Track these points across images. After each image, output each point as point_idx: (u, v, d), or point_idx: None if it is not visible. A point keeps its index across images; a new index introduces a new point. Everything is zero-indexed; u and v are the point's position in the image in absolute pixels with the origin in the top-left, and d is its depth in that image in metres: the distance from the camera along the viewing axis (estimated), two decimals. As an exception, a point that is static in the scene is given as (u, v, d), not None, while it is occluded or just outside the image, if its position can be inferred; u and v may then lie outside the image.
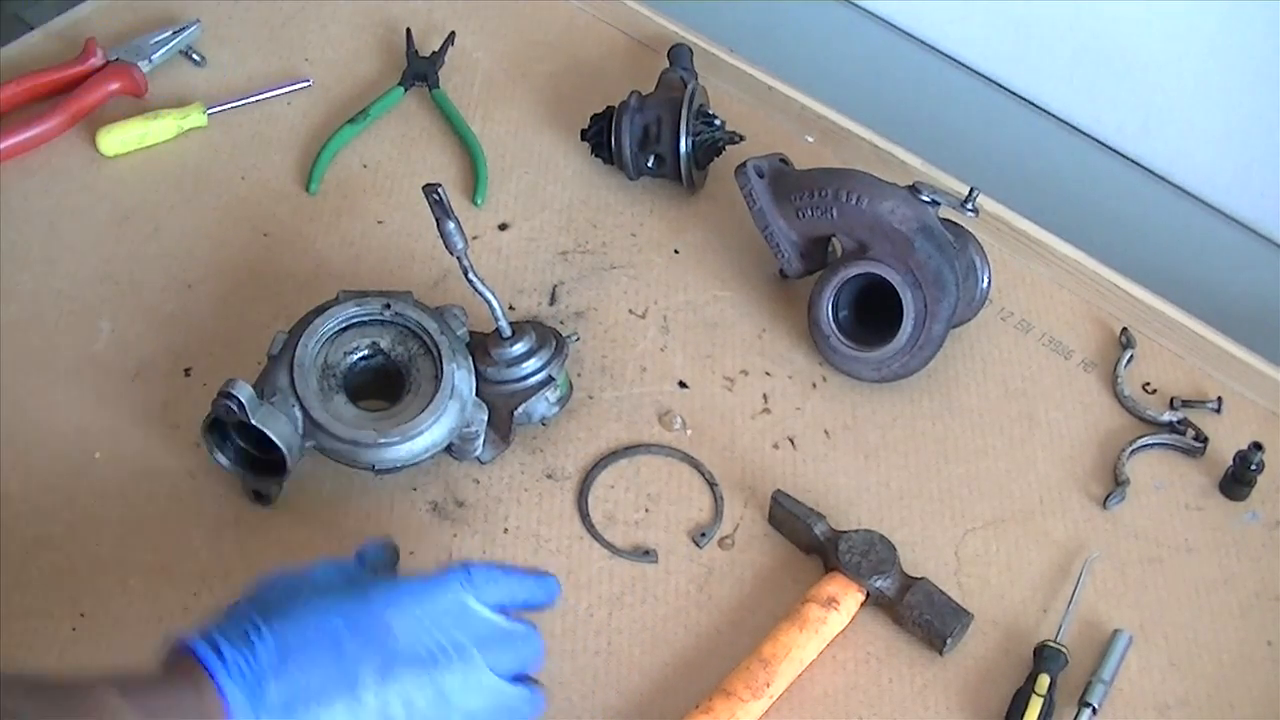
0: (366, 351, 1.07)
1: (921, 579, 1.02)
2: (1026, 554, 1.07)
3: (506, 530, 1.07)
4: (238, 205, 1.25)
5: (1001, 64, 1.51)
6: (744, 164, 1.17)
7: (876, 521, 1.08)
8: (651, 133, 1.24)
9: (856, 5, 1.57)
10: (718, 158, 1.26)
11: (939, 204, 1.14)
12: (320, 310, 1.07)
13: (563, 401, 1.12)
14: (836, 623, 1.01)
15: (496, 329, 1.08)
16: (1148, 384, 1.18)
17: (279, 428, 1.01)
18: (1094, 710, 0.98)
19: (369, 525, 1.06)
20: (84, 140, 1.27)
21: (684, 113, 1.22)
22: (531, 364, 1.09)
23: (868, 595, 1.02)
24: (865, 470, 1.12)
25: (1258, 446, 1.08)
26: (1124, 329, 1.20)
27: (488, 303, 1.07)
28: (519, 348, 1.09)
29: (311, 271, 1.21)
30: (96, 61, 1.30)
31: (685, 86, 1.25)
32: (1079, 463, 1.12)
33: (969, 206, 1.15)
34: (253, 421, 1.00)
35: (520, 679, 0.87)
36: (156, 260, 1.21)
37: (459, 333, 1.08)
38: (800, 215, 1.15)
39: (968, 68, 1.52)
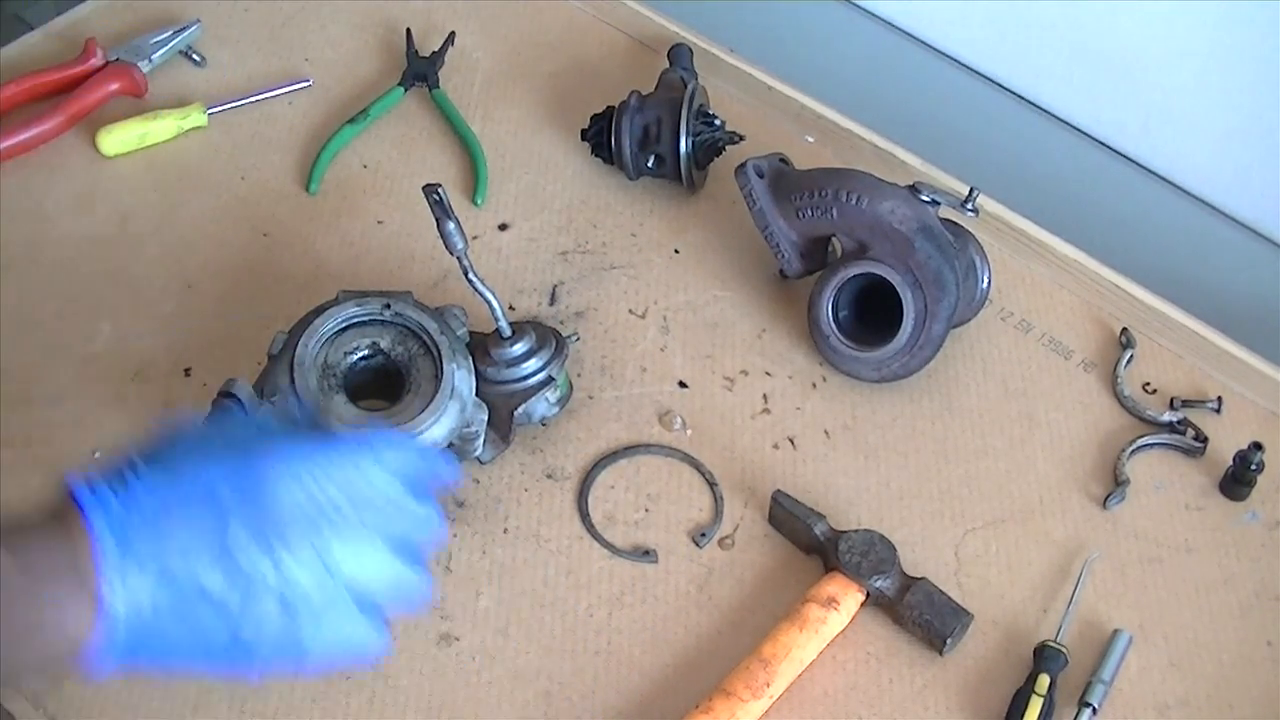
0: (366, 351, 1.07)
1: (921, 579, 1.02)
2: (1026, 554, 1.07)
3: (506, 530, 1.07)
4: (238, 205, 1.25)
5: (1001, 64, 1.51)
6: (744, 164, 1.17)
7: (876, 521, 1.08)
8: (651, 133, 1.24)
9: (856, 5, 1.57)
10: (718, 158, 1.26)
11: (939, 204, 1.14)
12: (320, 310, 1.07)
13: (563, 401, 1.12)
14: (836, 623, 1.01)
15: (496, 329, 1.08)
16: (1148, 384, 1.18)
17: (279, 428, 1.01)
18: (1094, 710, 0.98)
19: (369, 525, 1.06)
20: (84, 140, 1.28)
21: (684, 113, 1.22)
22: (531, 364, 1.09)
23: (868, 595, 1.02)
24: (865, 470, 1.12)
25: (1258, 446, 1.08)
26: (1124, 329, 1.20)
27: (488, 303, 1.07)
28: (519, 348, 1.09)
29: (311, 271, 1.21)
30: (96, 61, 1.30)
31: (685, 86, 1.25)
32: (1079, 463, 1.12)
33: (969, 206, 1.15)
34: (253, 421, 1.00)
35: (416, 562, 0.81)
36: (156, 260, 1.21)
37: (459, 333, 1.08)
38: (800, 215, 1.15)
39: (968, 68, 1.52)
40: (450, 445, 1.06)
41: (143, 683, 0.98)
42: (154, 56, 1.32)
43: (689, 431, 1.13)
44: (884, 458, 1.12)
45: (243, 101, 1.32)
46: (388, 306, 1.07)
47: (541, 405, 1.10)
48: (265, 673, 0.78)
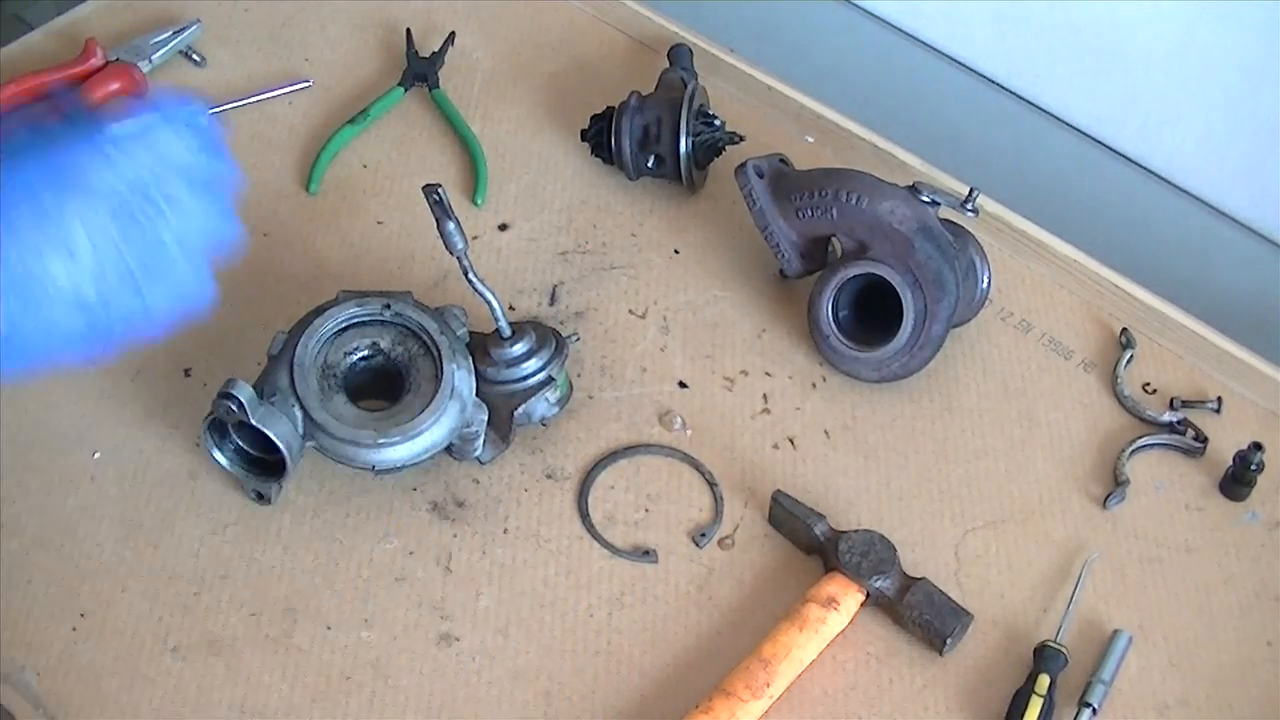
0: (366, 352, 1.08)
1: (921, 579, 1.02)
2: (1026, 554, 1.07)
3: (506, 530, 1.07)
4: (238, 205, 1.25)
5: (1001, 64, 1.51)
6: (744, 164, 1.17)
7: (876, 521, 1.08)
8: (651, 133, 1.24)
9: (856, 5, 1.57)
10: (718, 158, 1.26)
11: (939, 204, 1.14)
12: (320, 310, 1.07)
13: (563, 401, 1.12)
14: (836, 623, 1.01)
15: (496, 329, 1.08)
16: (1148, 384, 1.18)
17: (279, 428, 1.01)
18: (1094, 710, 0.98)
19: (369, 525, 1.06)
20: (84, 140, 1.27)
21: (684, 113, 1.22)
22: (531, 364, 1.09)
23: (868, 595, 1.02)
24: (865, 470, 1.12)
25: (1258, 446, 1.08)
26: (1124, 329, 1.20)
27: (488, 303, 1.07)
28: (519, 348, 1.09)
29: (311, 271, 1.21)
30: (96, 61, 1.30)
31: (685, 86, 1.25)
32: (1079, 463, 1.12)
33: (969, 206, 1.15)
34: (253, 421, 1.00)
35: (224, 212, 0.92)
36: (156, 260, 1.21)
37: (459, 333, 1.08)
38: (800, 215, 1.15)
39: (968, 68, 1.52)
40: (450, 445, 1.06)
41: (143, 682, 0.98)
42: (154, 56, 1.32)
43: (689, 431, 1.13)
44: (884, 458, 1.12)
45: (243, 101, 1.32)
46: (388, 306, 1.07)
47: (541, 405, 1.10)
48: (119, 346, 0.87)
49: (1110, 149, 1.47)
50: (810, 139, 1.33)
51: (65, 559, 1.04)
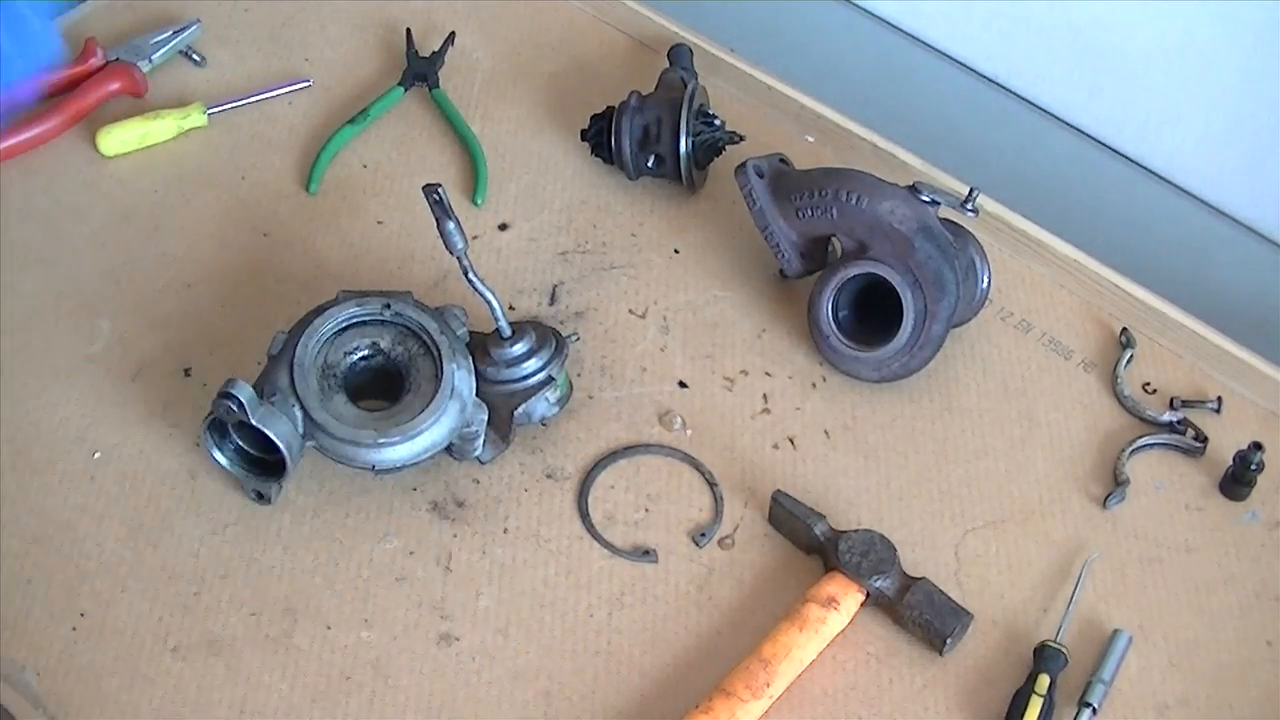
0: (366, 351, 1.08)
1: (921, 579, 1.02)
2: (1026, 554, 1.07)
3: (506, 530, 1.07)
4: (238, 205, 1.25)
5: (1001, 64, 1.51)
6: (744, 164, 1.17)
7: (876, 521, 1.08)
8: (651, 133, 1.24)
9: (856, 5, 1.57)
10: (718, 158, 1.26)
11: (939, 204, 1.14)
12: (320, 310, 1.07)
13: (563, 401, 1.12)
14: (836, 623, 1.01)
15: (496, 329, 1.08)
16: (1148, 384, 1.18)
17: (279, 428, 1.01)
18: (1094, 710, 0.98)
19: (369, 525, 1.06)
20: (84, 140, 1.27)
21: (684, 113, 1.22)
22: (531, 364, 1.09)
23: (868, 595, 1.02)
24: (865, 470, 1.12)
25: (1258, 446, 1.08)
26: (1124, 329, 1.20)
27: (488, 303, 1.07)
28: (519, 348, 1.09)
29: (311, 271, 1.21)
30: (96, 61, 1.30)
31: (685, 86, 1.25)
32: (1079, 463, 1.12)
33: (969, 206, 1.15)
34: (253, 421, 1.00)
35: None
36: (156, 260, 1.21)
37: (459, 333, 1.08)
38: (800, 215, 1.15)
39: (968, 68, 1.52)
40: (450, 445, 1.06)
41: (143, 682, 0.98)
42: (154, 56, 1.32)
43: (689, 431, 1.13)
44: (884, 458, 1.12)
45: (243, 101, 1.32)
46: (388, 306, 1.07)
47: (541, 405, 1.10)
48: None
49: (1110, 149, 1.47)
50: (810, 139, 1.33)
51: (65, 559, 1.04)
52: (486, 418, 1.07)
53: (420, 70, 1.34)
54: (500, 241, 1.24)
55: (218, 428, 1.04)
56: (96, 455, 1.09)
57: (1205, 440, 1.12)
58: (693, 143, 1.23)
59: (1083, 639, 1.02)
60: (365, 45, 1.38)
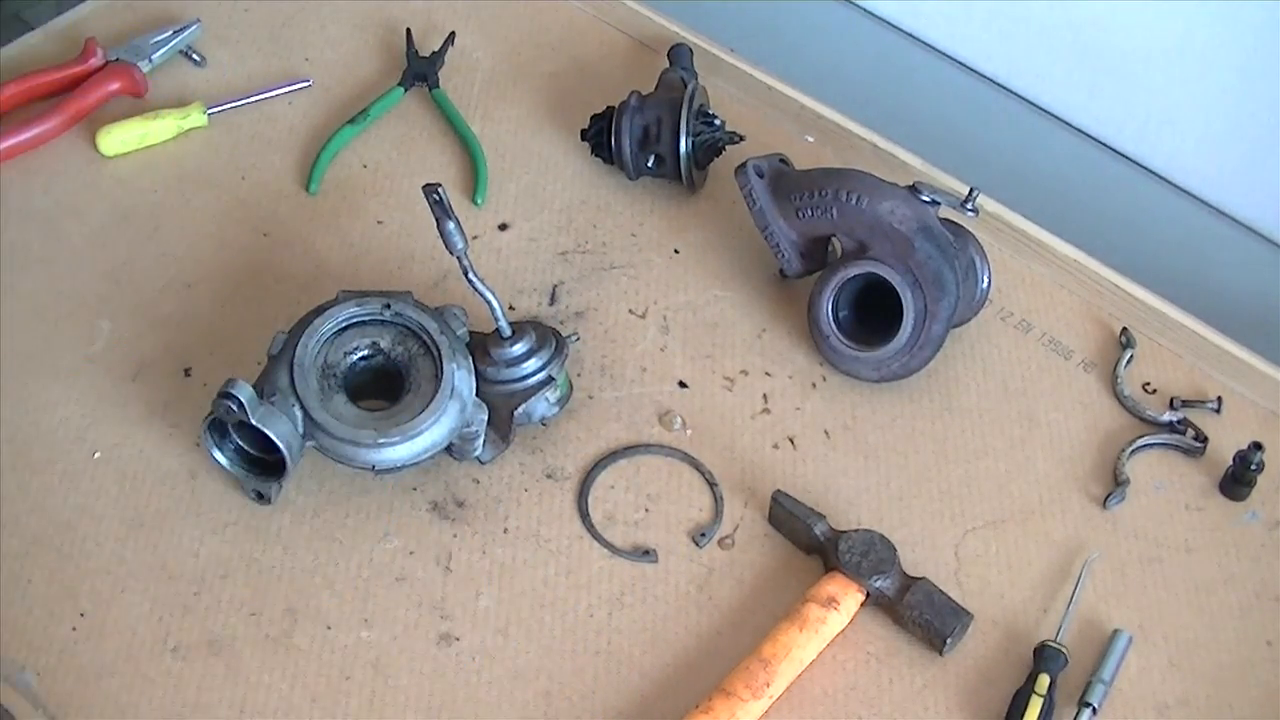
0: (366, 351, 1.08)
1: (921, 579, 1.02)
2: (1026, 554, 1.07)
3: (506, 530, 1.07)
4: (238, 205, 1.25)
5: (1001, 64, 1.51)
6: (744, 164, 1.17)
7: (876, 521, 1.08)
8: (651, 133, 1.24)
9: (856, 5, 1.57)
10: (718, 158, 1.26)
11: (939, 204, 1.14)
12: (320, 310, 1.07)
13: (563, 401, 1.12)
14: (836, 623, 1.01)
15: (496, 329, 1.08)
16: (1148, 384, 1.18)
17: (279, 428, 1.01)
18: (1094, 710, 0.98)
19: (369, 525, 1.06)
20: (84, 140, 1.27)
21: (684, 113, 1.22)
22: (531, 364, 1.09)
23: (868, 595, 1.02)
24: (865, 470, 1.12)
25: (1258, 446, 1.08)
26: (1124, 329, 1.20)
27: (488, 303, 1.07)
28: (519, 348, 1.09)
29: (311, 271, 1.21)
30: (96, 61, 1.30)
31: (685, 86, 1.25)
32: (1079, 463, 1.12)
33: (969, 206, 1.15)
34: (253, 421, 1.00)
35: None
36: (156, 260, 1.21)
37: (459, 333, 1.08)
38: (800, 215, 1.15)
39: (968, 68, 1.53)
40: (450, 445, 1.06)
41: (143, 682, 0.98)
42: (154, 56, 1.32)
43: (689, 431, 1.13)
44: (884, 458, 1.12)
45: (243, 101, 1.32)
46: (388, 306, 1.07)
47: (541, 405, 1.10)
48: None
49: (1110, 149, 1.47)
50: (810, 139, 1.33)
51: (65, 559, 1.04)
52: (486, 418, 1.07)
53: (420, 70, 1.34)
54: (500, 241, 1.24)
55: (218, 427, 1.04)
56: (96, 455, 1.09)
57: (1205, 440, 1.12)
58: (693, 143, 1.23)
59: (1083, 639, 1.02)
60: (365, 45, 1.38)
